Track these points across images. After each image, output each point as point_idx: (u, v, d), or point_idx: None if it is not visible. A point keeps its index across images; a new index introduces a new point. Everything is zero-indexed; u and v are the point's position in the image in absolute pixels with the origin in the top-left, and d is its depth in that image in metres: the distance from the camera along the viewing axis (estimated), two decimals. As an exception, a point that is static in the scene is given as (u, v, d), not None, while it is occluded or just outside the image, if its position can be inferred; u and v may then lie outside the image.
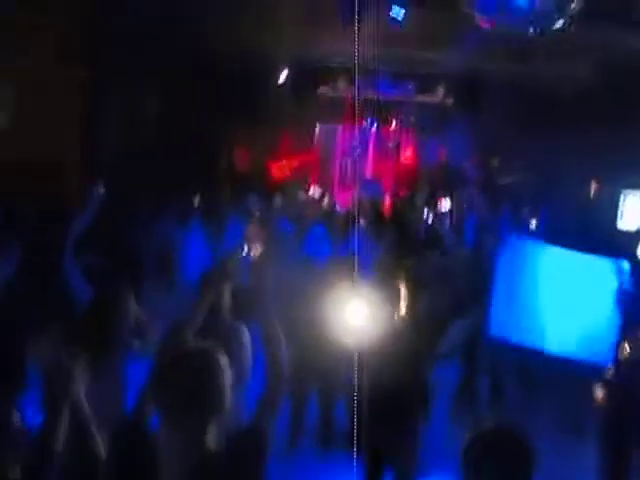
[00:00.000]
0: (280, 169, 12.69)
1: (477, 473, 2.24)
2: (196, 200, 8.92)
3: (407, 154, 13.24)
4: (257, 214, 8.26)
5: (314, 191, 11.50)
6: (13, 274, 5.63)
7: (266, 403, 2.60)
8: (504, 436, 2.30)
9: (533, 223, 9.62)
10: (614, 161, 9.78)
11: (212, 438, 2.37)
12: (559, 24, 5.04)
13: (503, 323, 6.11)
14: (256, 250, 2.91)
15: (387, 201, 11.83)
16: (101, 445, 2.50)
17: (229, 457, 2.38)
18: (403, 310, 4.77)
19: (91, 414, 2.49)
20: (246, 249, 2.91)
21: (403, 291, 4.75)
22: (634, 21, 5.66)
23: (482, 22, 5.36)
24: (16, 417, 2.43)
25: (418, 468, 4.85)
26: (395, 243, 7.25)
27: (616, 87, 9.17)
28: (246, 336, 3.69)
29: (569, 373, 5.72)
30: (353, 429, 4.40)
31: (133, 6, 7.78)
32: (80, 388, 2.50)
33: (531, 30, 5.12)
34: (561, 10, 4.97)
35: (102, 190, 7.57)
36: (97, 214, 6.96)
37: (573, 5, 4.92)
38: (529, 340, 6.02)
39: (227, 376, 2.44)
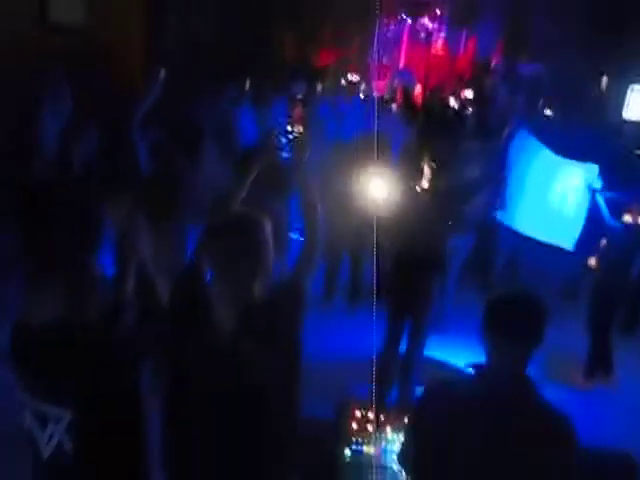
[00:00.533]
0: (323, 57, 12.37)
1: (500, 331, 2.23)
2: (247, 84, 8.78)
3: (438, 45, 12.76)
4: (300, 97, 8.11)
5: (352, 78, 11.23)
6: (93, 151, 5.67)
7: (304, 262, 2.66)
8: (524, 297, 2.30)
9: (547, 112, 9.36)
10: (623, 57, 9.37)
11: (256, 290, 2.44)
12: None
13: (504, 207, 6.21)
14: (299, 129, 2.88)
15: (418, 90, 11.52)
16: (163, 294, 2.59)
17: (271, 307, 2.44)
18: (425, 184, 4.75)
19: (155, 268, 2.58)
20: (290, 128, 2.88)
21: (426, 168, 4.72)
22: None
23: None
24: (95, 268, 2.52)
25: (431, 324, 4.95)
26: (423, 127, 7.11)
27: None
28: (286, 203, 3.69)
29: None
30: (374, 286, 4.50)
31: None
32: (145, 247, 2.56)
33: None
34: None
35: (163, 74, 7.53)
36: (160, 95, 6.94)
37: None
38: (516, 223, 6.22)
39: (270, 236, 2.49)
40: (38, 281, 2.56)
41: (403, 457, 2.47)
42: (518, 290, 2.40)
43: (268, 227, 2.50)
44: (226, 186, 2.76)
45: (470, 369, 2.29)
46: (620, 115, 9.89)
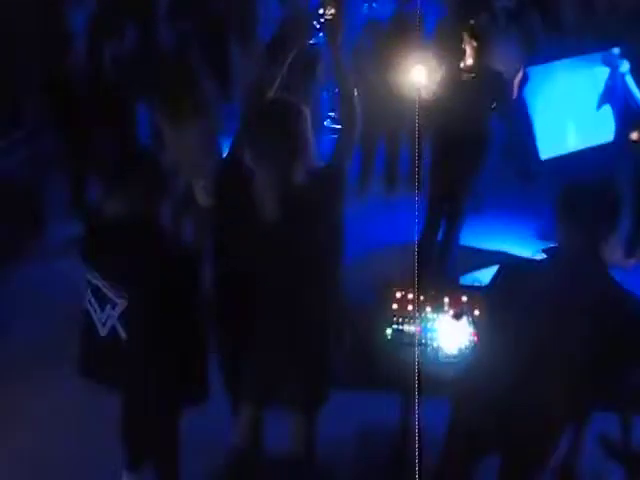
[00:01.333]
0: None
1: (577, 217, 2.28)
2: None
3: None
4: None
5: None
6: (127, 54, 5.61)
7: (341, 148, 2.65)
8: (598, 181, 2.34)
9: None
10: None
11: (297, 173, 2.45)
12: None
13: None
14: (330, 11, 2.77)
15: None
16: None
17: (312, 190, 2.47)
18: (469, 62, 4.55)
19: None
20: (322, 10, 2.78)
21: (468, 47, 4.52)
22: None
23: None
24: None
25: (469, 208, 4.96)
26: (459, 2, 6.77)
27: None
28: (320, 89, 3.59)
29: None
30: (415, 169, 4.45)
31: None
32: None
33: None
34: None
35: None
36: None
37: None
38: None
39: (308, 122, 2.48)
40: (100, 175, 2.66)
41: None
42: (591, 176, 2.42)
43: (306, 112, 2.48)
44: (260, 74, 2.73)
45: (543, 254, 2.33)
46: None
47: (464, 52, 4.52)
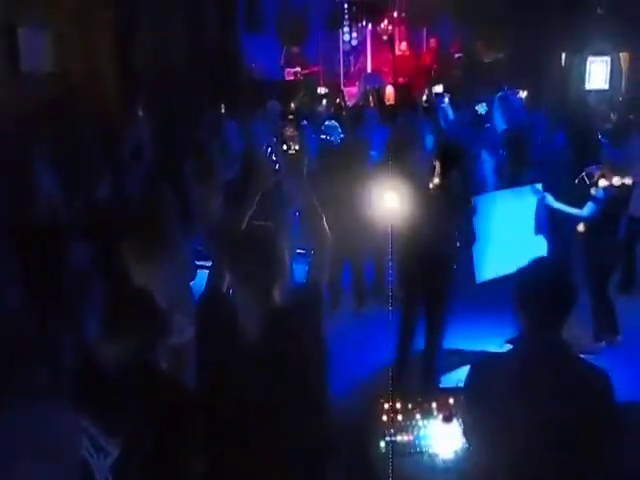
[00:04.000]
0: (292, 75, 12.49)
1: (534, 303, 2.34)
2: (222, 108, 8.86)
3: (402, 46, 12.93)
4: (291, 117, 8.21)
5: (323, 90, 11.34)
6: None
7: (315, 265, 2.76)
8: (551, 266, 2.47)
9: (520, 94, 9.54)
10: (578, 34, 9.62)
11: (278, 294, 2.53)
12: None
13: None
14: (294, 147, 2.97)
15: (389, 90, 11.66)
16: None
17: (292, 309, 2.56)
18: (436, 182, 4.71)
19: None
20: (286, 147, 2.97)
21: (436, 168, 4.70)
22: None
23: None
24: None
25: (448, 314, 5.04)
26: (402, 125, 7.21)
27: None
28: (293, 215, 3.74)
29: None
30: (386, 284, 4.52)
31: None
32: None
33: None
34: None
35: (141, 112, 7.61)
36: (141, 131, 6.99)
37: None
38: None
39: (284, 246, 2.60)
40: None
41: (464, 434, 2.58)
42: (544, 261, 2.54)
43: (282, 237, 2.60)
44: (233, 206, 2.85)
45: (508, 345, 2.41)
46: (583, 86, 10.11)
47: (432, 173, 4.71)
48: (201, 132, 8.12)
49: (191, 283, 4.33)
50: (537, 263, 2.46)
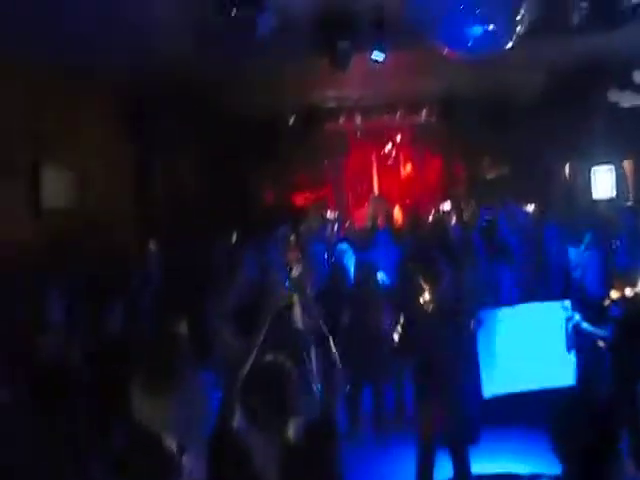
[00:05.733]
0: (302, 200, 12.83)
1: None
2: (234, 237, 9.05)
3: (407, 168, 13.34)
4: (292, 240, 8.35)
5: (332, 215, 11.59)
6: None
7: (327, 395, 2.72)
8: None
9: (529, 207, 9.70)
10: (580, 145, 9.92)
11: (292, 431, 2.48)
12: (510, 44, 5.18)
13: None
14: (297, 270, 3.02)
15: (397, 212, 11.93)
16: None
17: (308, 444, 2.48)
18: (427, 298, 4.74)
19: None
20: (289, 271, 3.02)
21: (425, 285, 4.76)
22: (575, 28, 5.72)
23: (447, 54, 5.50)
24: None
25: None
26: (411, 246, 7.33)
27: (567, 87, 9.35)
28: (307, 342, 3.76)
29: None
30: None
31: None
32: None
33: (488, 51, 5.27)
34: (510, 32, 5.10)
35: (156, 247, 7.78)
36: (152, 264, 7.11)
37: (519, 28, 5.04)
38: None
39: (296, 382, 2.57)
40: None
41: None
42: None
43: (293, 371, 2.58)
44: (240, 343, 2.86)
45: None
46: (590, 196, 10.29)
47: (422, 289, 4.76)
48: (214, 261, 8.27)
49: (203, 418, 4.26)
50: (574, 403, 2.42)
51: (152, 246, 7.99)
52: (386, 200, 12.10)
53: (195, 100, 9.01)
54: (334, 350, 2.79)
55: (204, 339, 6.71)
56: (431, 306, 4.70)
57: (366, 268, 6.32)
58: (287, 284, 3.17)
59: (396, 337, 4.63)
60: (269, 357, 2.71)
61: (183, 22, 5.86)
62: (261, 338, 2.79)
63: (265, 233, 9.49)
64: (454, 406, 4.65)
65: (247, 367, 2.70)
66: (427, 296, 4.71)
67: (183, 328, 4.77)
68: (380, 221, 10.01)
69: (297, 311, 5.01)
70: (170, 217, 9.62)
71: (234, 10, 4.65)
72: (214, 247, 8.52)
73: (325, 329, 2.83)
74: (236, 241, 9.03)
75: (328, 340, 2.80)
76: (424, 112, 11.61)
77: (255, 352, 2.79)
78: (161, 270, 7.51)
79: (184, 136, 9.90)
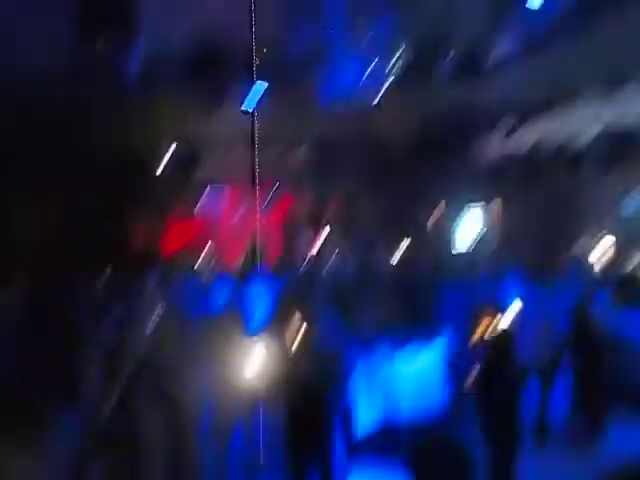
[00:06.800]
0: (173, 242, 12.52)
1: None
2: (102, 280, 8.67)
3: (276, 211, 13.39)
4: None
5: (206, 255, 11.37)
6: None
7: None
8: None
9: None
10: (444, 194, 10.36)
11: None
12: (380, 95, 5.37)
13: None
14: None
15: (272, 253, 11.88)
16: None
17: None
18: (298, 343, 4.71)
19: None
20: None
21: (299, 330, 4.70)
22: (452, 76, 6.03)
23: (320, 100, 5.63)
24: None
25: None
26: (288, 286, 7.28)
27: (440, 131, 9.73)
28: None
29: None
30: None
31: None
32: None
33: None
34: (381, 85, 5.30)
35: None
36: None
37: (390, 79, 5.23)
38: None
39: None
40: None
41: None
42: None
43: None
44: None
45: None
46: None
47: (295, 335, 4.69)
48: (79, 305, 7.85)
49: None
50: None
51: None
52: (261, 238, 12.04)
53: (55, 137, 8.64)
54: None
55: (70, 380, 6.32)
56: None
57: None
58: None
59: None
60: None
61: (45, 55, 5.60)
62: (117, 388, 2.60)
63: (133, 278, 9.14)
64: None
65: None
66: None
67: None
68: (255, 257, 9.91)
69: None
70: (31, 263, 9.10)
71: (101, 41, 4.47)
72: (79, 291, 8.11)
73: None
74: (103, 285, 8.64)
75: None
76: (301, 155, 11.75)
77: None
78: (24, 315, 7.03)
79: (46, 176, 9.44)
